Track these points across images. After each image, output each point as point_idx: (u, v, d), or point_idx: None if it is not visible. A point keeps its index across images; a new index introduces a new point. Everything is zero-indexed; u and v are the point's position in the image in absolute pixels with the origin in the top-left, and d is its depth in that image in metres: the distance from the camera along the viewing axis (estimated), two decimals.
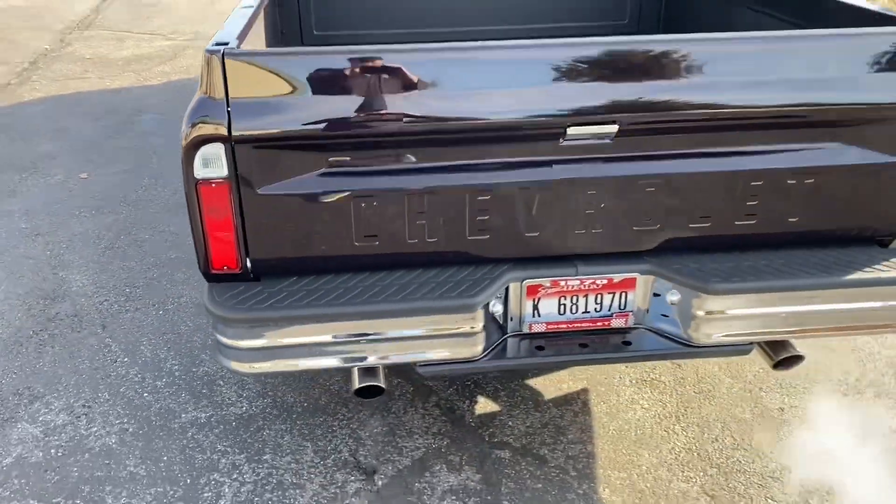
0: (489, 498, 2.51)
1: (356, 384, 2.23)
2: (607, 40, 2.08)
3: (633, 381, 3.00)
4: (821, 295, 2.21)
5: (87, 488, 2.56)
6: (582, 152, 2.08)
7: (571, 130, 2.03)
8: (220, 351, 2.19)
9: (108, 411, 2.89)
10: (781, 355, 2.33)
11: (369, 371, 2.24)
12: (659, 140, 2.12)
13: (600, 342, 2.33)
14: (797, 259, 2.26)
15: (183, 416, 2.86)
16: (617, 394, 2.94)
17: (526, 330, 2.31)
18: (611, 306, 2.30)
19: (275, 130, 1.97)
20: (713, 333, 2.24)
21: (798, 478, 2.59)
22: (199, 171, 1.99)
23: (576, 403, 2.90)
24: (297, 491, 2.53)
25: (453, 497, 2.51)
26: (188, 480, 2.58)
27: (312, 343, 2.14)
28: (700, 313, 2.21)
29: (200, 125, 1.94)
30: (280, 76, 1.96)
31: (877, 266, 2.24)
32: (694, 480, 2.57)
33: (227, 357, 2.18)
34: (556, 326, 2.31)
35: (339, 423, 2.81)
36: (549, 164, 2.09)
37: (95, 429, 2.81)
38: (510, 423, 2.81)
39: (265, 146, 1.98)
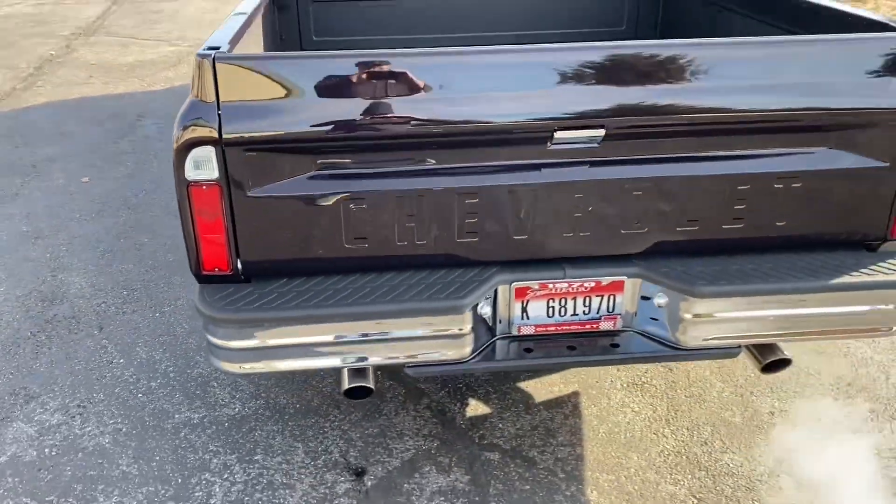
0: (477, 499, 2.52)
1: (345, 385, 2.26)
2: (592, 45, 2.11)
3: (625, 385, 3.01)
4: (808, 298, 2.22)
5: (80, 487, 2.58)
6: (570, 156, 2.10)
7: (559, 134, 2.05)
8: (211, 351, 2.21)
9: (103, 411, 2.91)
10: (769, 358, 2.34)
11: (359, 372, 2.27)
12: (646, 144, 2.13)
13: (588, 345, 2.35)
14: (785, 263, 2.28)
15: (176, 416, 2.88)
16: (608, 397, 2.95)
17: (515, 332, 2.32)
18: (599, 309, 2.32)
19: (265, 133, 2.00)
20: (701, 336, 2.25)
21: (786, 482, 2.59)
22: (191, 174, 2.01)
23: (566, 406, 2.91)
24: (287, 491, 2.55)
25: (441, 498, 2.52)
26: (179, 480, 2.60)
27: (302, 344, 2.16)
28: (687, 316, 2.22)
29: (192, 128, 1.97)
30: (271, 80, 1.99)
31: (864, 270, 2.25)
32: (682, 483, 2.58)
33: (218, 357, 2.20)
34: (544, 329, 2.33)
35: (330, 424, 2.83)
36: (537, 167, 2.11)
37: (89, 428, 2.83)
38: (500, 425, 2.82)
39: (256, 149, 2.01)
